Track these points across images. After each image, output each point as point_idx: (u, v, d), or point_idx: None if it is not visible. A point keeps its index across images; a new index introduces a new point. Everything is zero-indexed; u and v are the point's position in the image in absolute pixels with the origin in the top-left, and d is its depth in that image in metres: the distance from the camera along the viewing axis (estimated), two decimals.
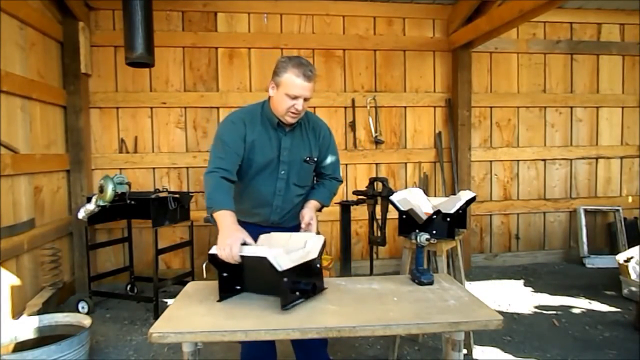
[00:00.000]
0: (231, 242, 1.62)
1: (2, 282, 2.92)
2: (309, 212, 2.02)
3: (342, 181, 2.26)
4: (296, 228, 2.08)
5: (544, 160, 4.98)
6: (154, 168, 4.35)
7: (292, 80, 1.84)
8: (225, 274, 1.66)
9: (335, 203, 3.64)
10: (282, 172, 2.02)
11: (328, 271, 3.80)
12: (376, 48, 4.60)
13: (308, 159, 2.06)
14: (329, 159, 2.17)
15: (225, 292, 1.69)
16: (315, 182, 2.21)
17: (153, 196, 3.45)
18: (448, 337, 1.62)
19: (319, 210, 2.13)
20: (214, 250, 1.65)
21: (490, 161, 4.88)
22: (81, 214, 3.32)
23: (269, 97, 1.97)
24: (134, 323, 3.37)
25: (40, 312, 3.03)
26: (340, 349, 2.88)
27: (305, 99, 1.89)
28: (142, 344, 3.00)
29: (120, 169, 4.21)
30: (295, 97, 1.86)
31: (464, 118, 4.61)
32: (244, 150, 1.96)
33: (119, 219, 3.67)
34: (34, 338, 2.71)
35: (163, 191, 3.62)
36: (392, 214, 2.73)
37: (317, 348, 2.17)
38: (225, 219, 1.75)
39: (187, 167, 4.40)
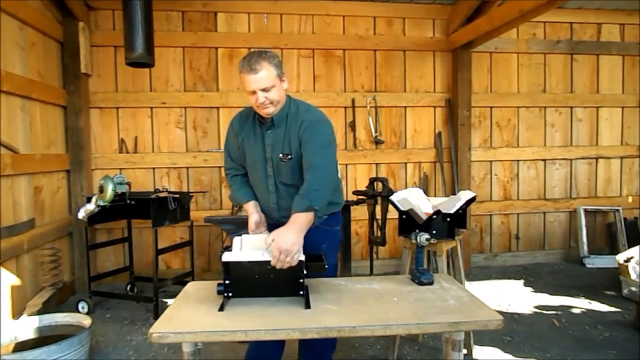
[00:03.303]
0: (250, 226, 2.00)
1: (2, 282, 2.92)
2: (275, 231, 1.71)
3: (320, 167, 1.84)
4: None
5: (544, 160, 4.98)
6: (154, 168, 4.35)
7: (243, 78, 1.87)
8: (228, 281, 1.62)
9: None
10: (269, 169, 2.01)
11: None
12: (376, 48, 4.60)
13: (282, 155, 1.93)
14: (310, 149, 1.87)
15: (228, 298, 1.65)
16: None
17: (153, 196, 3.45)
18: (448, 337, 1.62)
19: (319, 216, 1.84)
20: (227, 257, 1.63)
21: (490, 161, 4.88)
22: (81, 214, 3.32)
23: None
24: (134, 323, 3.37)
25: (40, 312, 3.03)
26: (340, 348, 2.87)
27: (265, 90, 1.84)
28: (142, 344, 3.00)
29: (120, 169, 4.21)
30: (252, 92, 1.86)
31: (464, 118, 4.61)
32: (239, 148, 2.08)
33: (119, 219, 3.67)
34: (34, 338, 2.71)
35: (163, 191, 3.62)
36: (392, 214, 2.74)
37: (324, 351, 2.17)
38: (249, 209, 2.07)
39: (187, 167, 4.39)
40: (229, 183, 2.18)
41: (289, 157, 1.94)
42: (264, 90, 1.85)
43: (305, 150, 1.89)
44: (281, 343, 2.16)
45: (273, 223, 2.07)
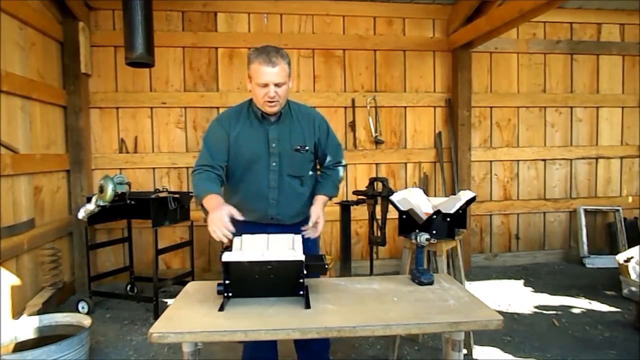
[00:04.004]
0: (218, 215, 1.74)
1: (2, 282, 2.92)
2: (316, 209, 2.03)
3: (345, 164, 2.25)
4: (296, 225, 2.08)
5: (544, 160, 4.98)
6: (154, 168, 4.35)
7: (258, 69, 1.87)
8: (228, 281, 1.62)
9: (335, 203, 3.65)
10: (274, 163, 2.02)
11: (328, 271, 3.79)
12: (376, 48, 4.60)
13: (299, 147, 2.04)
14: (330, 147, 2.17)
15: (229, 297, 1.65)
16: (318, 173, 2.21)
17: (153, 196, 3.45)
18: (448, 337, 1.62)
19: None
20: (227, 257, 1.63)
21: (490, 161, 4.88)
22: (81, 214, 3.32)
23: None
24: (134, 323, 3.37)
25: (40, 312, 3.03)
26: (340, 349, 2.88)
27: (278, 85, 1.89)
28: (142, 344, 3.00)
29: (120, 169, 4.21)
30: (265, 85, 1.88)
31: (464, 118, 4.61)
32: (229, 146, 2.01)
33: (119, 219, 3.67)
34: (34, 338, 2.71)
35: (163, 191, 3.62)
36: (392, 214, 2.74)
37: (320, 351, 2.18)
38: (211, 201, 1.85)
39: (187, 167, 4.39)
40: (198, 177, 1.97)
41: (306, 148, 2.06)
42: (277, 85, 1.88)
43: (327, 147, 2.15)
44: (275, 342, 2.16)
45: (265, 224, 2.05)
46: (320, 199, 2.09)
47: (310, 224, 2.00)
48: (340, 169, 2.22)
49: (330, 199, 2.15)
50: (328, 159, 2.18)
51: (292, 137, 2.03)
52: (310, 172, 2.17)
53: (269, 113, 1.98)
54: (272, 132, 2.01)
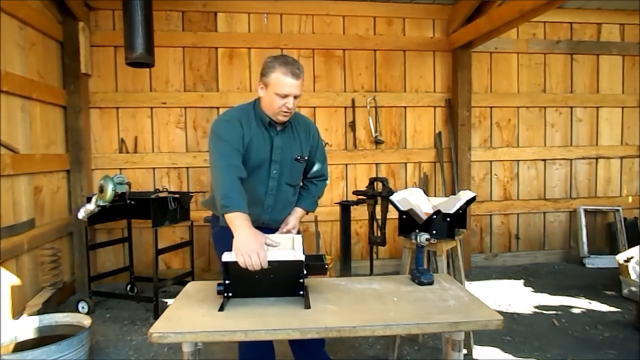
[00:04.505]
0: (257, 247, 1.60)
1: (2, 282, 2.92)
2: (294, 221, 2.10)
3: (327, 178, 2.28)
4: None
5: (544, 160, 4.98)
6: (154, 168, 4.35)
7: (281, 80, 1.86)
8: (228, 281, 1.61)
9: (335, 203, 3.66)
10: (274, 171, 2.02)
11: (328, 271, 3.79)
12: (376, 48, 4.60)
13: (299, 157, 2.08)
14: (319, 159, 2.21)
15: (229, 297, 1.64)
16: (302, 183, 2.23)
17: (153, 196, 3.45)
18: (448, 337, 1.62)
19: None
20: (227, 257, 1.62)
21: (490, 161, 4.88)
22: (81, 214, 3.32)
23: (259, 98, 1.99)
24: (134, 323, 3.37)
25: (40, 312, 3.03)
26: (340, 349, 2.88)
27: (295, 97, 1.91)
28: (142, 344, 3.00)
29: (120, 169, 4.21)
30: (285, 96, 1.88)
31: (464, 118, 4.61)
32: (243, 147, 1.96)
33: (119, 219, 3.67)
34: (34, 338, 2.71)
35: (163, 191, 3.62)
36: (392, 214, 2.74)
37: (316, 348, 2.18)
38: (242, 222, 1.71)
39: (187, 167, 4.39)
40: (231, 180, 1.81)
41: (305, 158, 2.11)
42: (295, 97, 1.91)
43: (315, 156, 2.17)
44: (271, 342, 2.15)
45: (255, 227, 2.03)
46: (299, 211, 2.15)
47: (285, 230, 2.06)
48: (324, 184, 2.26)
49: (307, 213, 2.21)
50: (314, 169, 2.19)
51: (293, 146, 2.06)
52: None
53: (280, 122, 1.98)
54: (277, 140, 2.01)
